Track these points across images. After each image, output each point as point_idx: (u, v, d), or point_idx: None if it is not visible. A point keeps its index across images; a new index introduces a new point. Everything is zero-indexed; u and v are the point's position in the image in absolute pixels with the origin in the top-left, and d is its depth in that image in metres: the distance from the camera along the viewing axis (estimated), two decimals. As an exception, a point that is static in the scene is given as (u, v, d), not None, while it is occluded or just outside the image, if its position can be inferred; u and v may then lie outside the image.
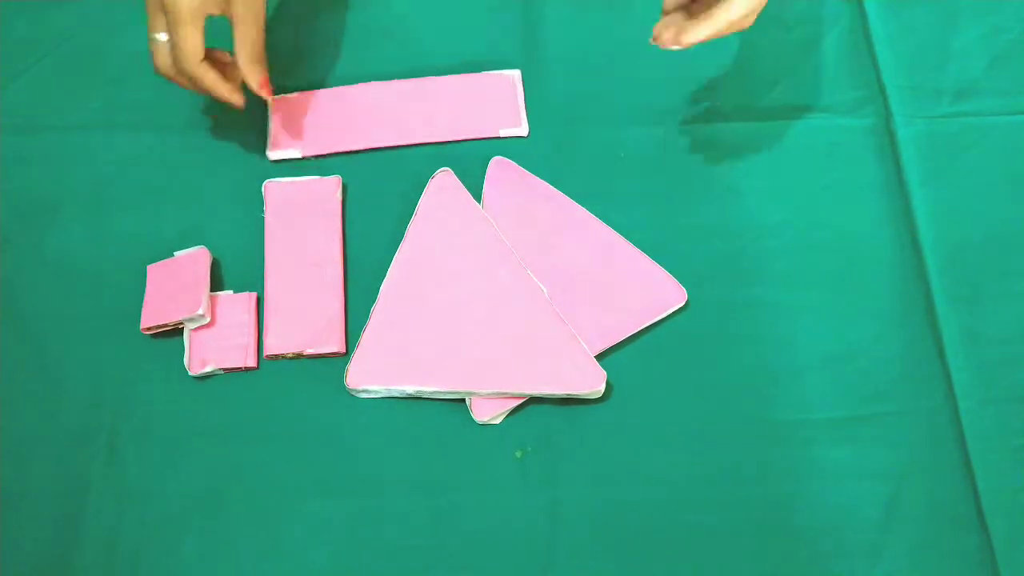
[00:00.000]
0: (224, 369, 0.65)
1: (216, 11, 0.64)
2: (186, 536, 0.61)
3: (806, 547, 0.60)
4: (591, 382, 0.63)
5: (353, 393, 0.64)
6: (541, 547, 0.60)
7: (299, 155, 0.73)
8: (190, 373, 0.64)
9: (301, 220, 0.69)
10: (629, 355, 0.66)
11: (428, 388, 0.63)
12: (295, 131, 0.74)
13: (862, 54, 0.77)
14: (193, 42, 0.63)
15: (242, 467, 0.62)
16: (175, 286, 0.66)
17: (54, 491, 0.62)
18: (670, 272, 0.68)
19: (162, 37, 0.65)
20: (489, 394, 0.63)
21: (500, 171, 0.71)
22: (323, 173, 0.72)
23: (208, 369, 0.64)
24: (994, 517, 0.61)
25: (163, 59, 0.66)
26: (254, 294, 0.67)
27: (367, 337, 0.65)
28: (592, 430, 0.63)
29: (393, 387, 0.63)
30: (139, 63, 0.75)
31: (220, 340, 0.65)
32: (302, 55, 0.77)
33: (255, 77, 0.66)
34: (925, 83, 0.76)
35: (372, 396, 0.64)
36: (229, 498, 0.62)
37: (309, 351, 0.65)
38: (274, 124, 0.74)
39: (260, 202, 0.71)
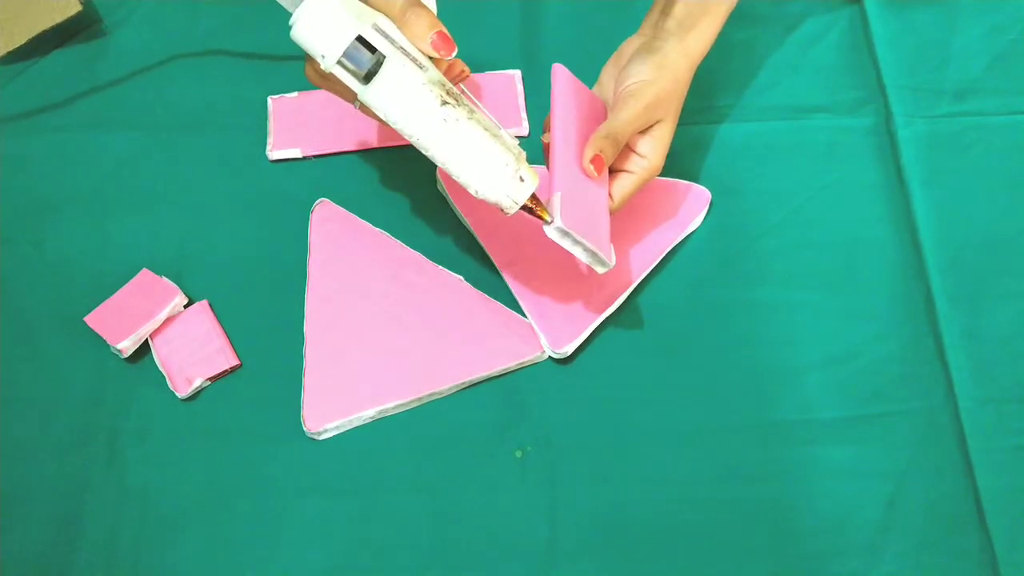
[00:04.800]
0: (210, 379, 0.64)
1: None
2: (186, 536, 0.61)
3: (806, 547, 0.60)
4: (538, 346, 0.64)
5: (314, 437, 0.63)
6: (541, 547, 0.60)
7: (299, 155, 0.73)
8: (180, 396, 0.64)
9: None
10: (629, 354, 0.66)
11: (388, 405, 0.63)
12: (295, 131, 0.74)
13: (862, 54, 0.77)
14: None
15: (242, 467, 0.62)
16: (136, 303, 0.65)
17: (54, 491, 0.62)
18: (670, 271, 0.68)
19: None
20: (448, 390, 0.64)
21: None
22: (323, 173, 0.72)
23: (196, 384, 0.64)
24: (994, 517, 0.61)
25: None
26: (204, 301, 0.67)
27: (309, 380, 0.64)
28: (592, 430, 0.63)
29: (352, 416, 0.63)
30: (139, 63, 0.76)
31: (195, 354, 0.65)
32: (302, 55, 0.77)
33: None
34: (925, 83, 0.76)
35: (334, 434, 0.63)
36: (229, 498, 0.62)
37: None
38: (274, 124, 0.74)
39: (258, 202, 0.71)
